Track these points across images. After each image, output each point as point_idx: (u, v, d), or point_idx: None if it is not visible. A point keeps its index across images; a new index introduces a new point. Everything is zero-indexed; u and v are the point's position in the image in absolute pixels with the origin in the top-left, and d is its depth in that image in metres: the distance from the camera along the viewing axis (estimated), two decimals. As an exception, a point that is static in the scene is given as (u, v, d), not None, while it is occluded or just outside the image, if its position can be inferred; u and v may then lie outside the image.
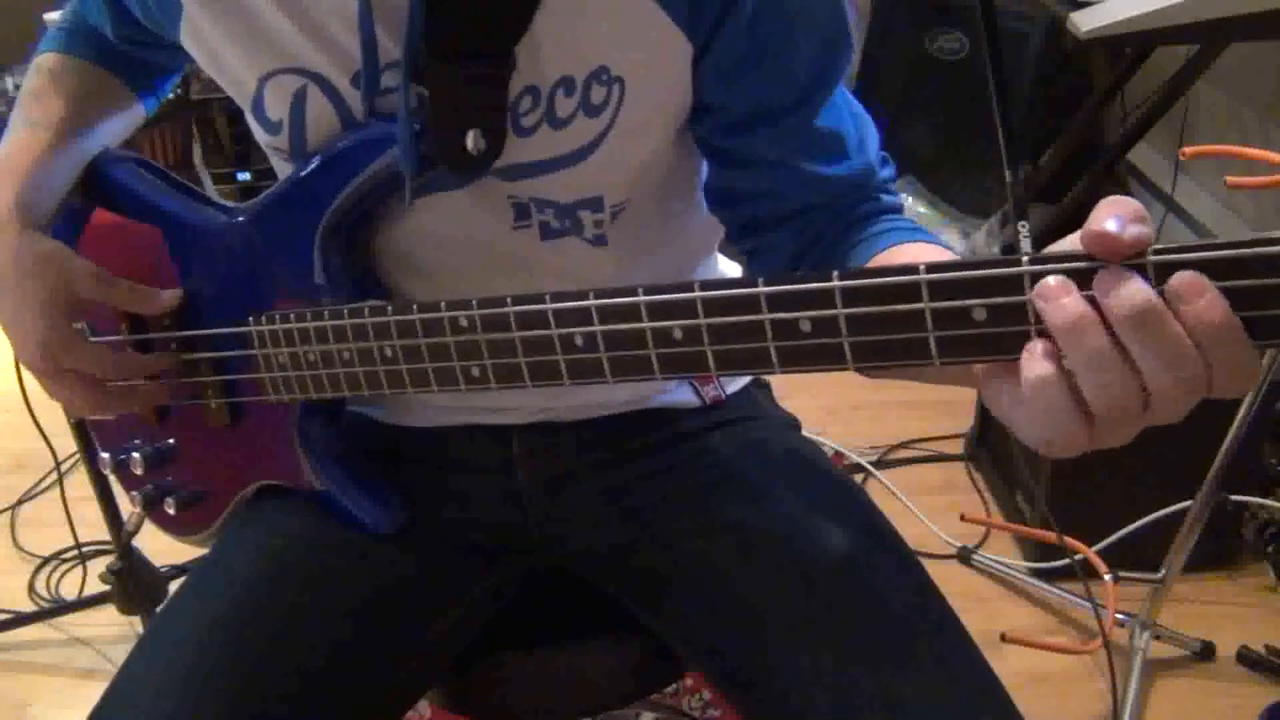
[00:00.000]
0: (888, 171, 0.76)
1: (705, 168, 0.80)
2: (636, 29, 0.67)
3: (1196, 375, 0.43)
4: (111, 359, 0.79)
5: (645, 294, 0.55)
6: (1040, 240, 1.78)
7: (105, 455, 0.94)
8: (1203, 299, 0.41)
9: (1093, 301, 0.43)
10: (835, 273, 0.49)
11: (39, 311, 0.76)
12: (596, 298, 0.57)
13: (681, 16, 0.67)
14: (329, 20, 0.68)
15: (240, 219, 0.77)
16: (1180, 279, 0.42)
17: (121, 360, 0.80)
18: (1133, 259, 0.43)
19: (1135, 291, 0.42)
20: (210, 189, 2.69)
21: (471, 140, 0.67)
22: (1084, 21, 1.48)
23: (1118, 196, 0.44)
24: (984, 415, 1.98)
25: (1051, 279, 0.44)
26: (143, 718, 0.69)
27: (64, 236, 0.85)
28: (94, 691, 0.72)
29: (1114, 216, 0.42)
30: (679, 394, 0.88)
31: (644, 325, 0.55)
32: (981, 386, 0.52)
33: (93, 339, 0.81)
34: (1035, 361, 0.45)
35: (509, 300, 0.60)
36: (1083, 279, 0.44)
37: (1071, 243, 0.45)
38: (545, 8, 0.66)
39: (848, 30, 0.71)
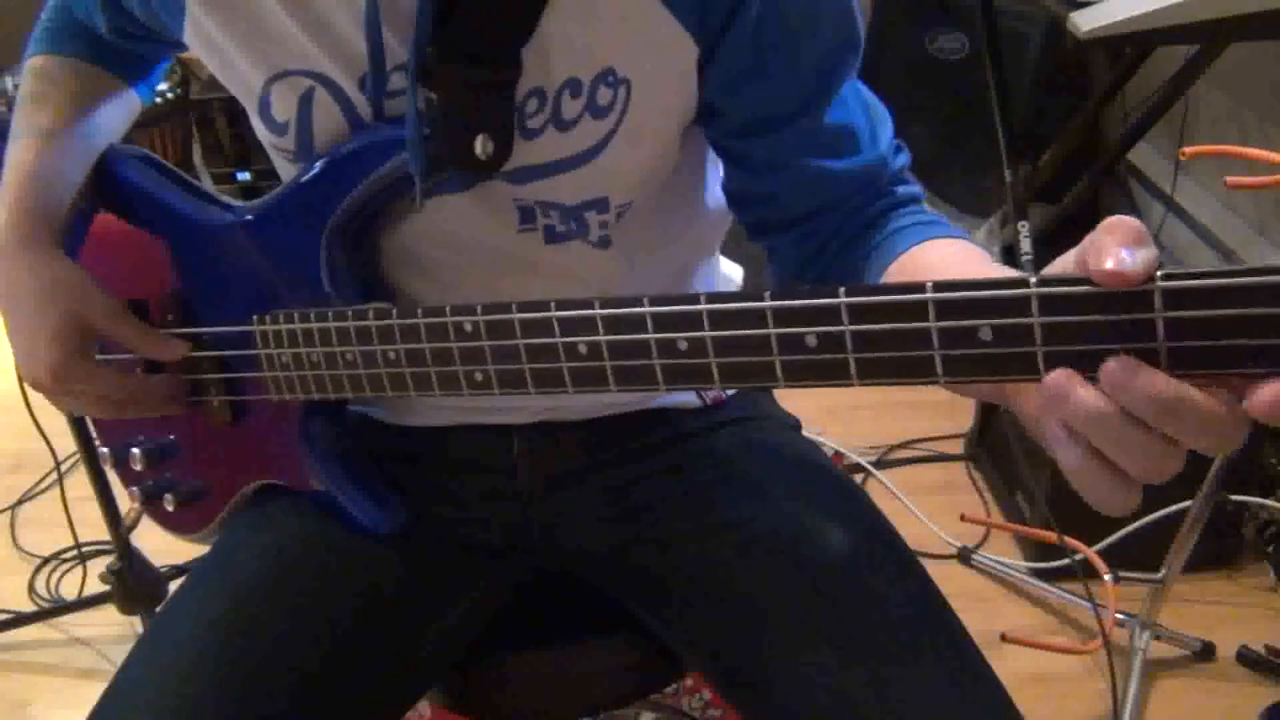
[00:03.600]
0: (901, 159, 0.74)
1: (709, 168, 0.80)
2: (643, 31, 0.67)
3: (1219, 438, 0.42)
4: (118, 389, 0.80)
5: (650, 304, 0.55)
6: (1040, 240, 1.78)
7: (105, 450, 0.94)
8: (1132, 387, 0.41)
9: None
10: (842, 289, 0.49)
11: (52, 338, 0.76)
12: (601, 307, 0.56)
13: (688, 19, 0.67)
14: (336, 22, 0.68)
15: (246, 218, 0.77)
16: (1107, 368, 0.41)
17: (129, 389, 0.81)
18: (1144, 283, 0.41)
19: (1149, 385, 0.41)
20: (210, 189, 2.68)
21: (480, 145, 0.67)
22: (1084, 21, 1.48)
23: (1117, 219, 0.42)
24: (984, 415, 1.97)
25: (1056, 374, 0.43)
26: (142, 718, 0.69)
27: (74, 232, 0.85)
28: (94, 691, 0.72)
29: (1124, 249, 0.41)
30: (680, 394, 0.88)
31: (649, 336, 0.55)
32: (1028, 426, 0.51)
33: (100, 358, 0.81)
34: (1066, 451, 0.45)
35: (514, 307, 0.60)
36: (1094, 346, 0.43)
37: (1066, 262, 0.44)
38: (552, 9, 0.65)
39: (857, 32, 0.71)
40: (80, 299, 0.77)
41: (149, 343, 0.80)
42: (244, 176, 2.71)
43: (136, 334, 0.80)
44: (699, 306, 0.53)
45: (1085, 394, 0.42)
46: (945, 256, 0.67)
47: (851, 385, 0.50)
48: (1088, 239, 0.43)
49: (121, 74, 0.88)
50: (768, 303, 0.51)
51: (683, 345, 0.54)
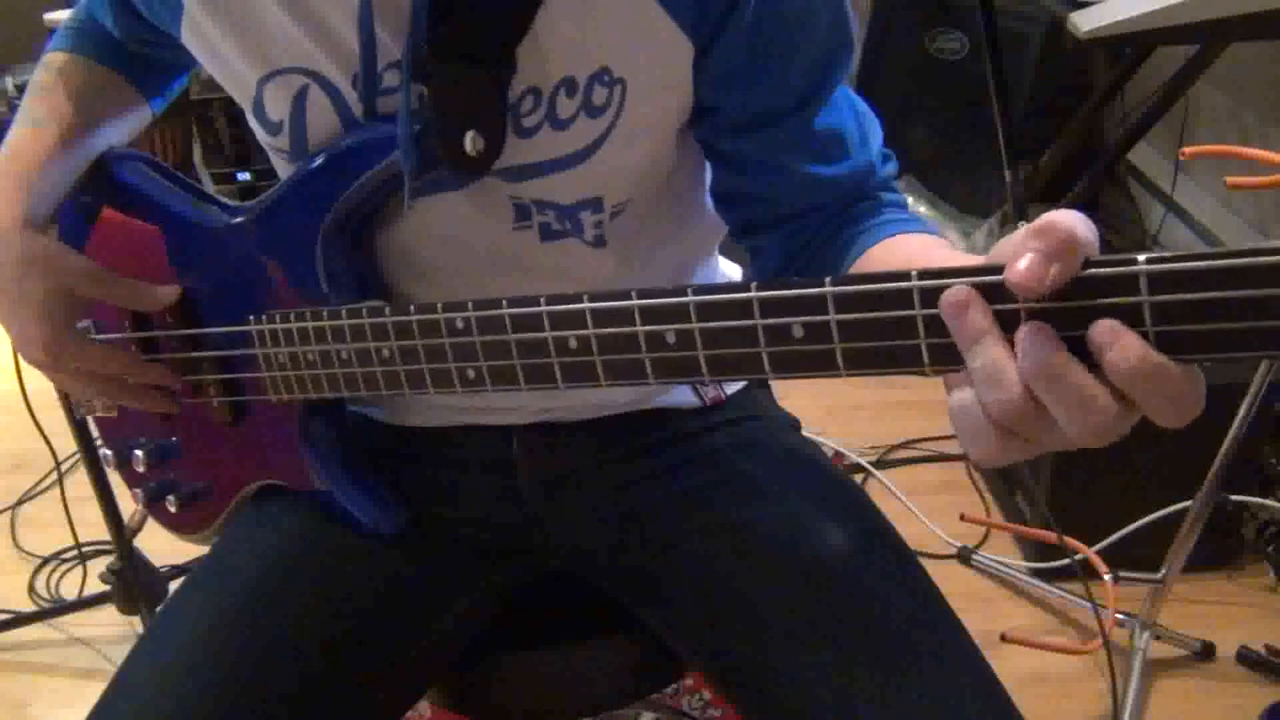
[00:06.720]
0: (889, 168, 0.75)
1: (707, 170, 0.80)
2: (639, 30, 0.67)
3: (1106, 422, 0.43)
4: (116, 361, 0.79)
5: (638, 298, 0.55)
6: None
7: (108, 452, 0.94)
8: (1117, 346, 0.41)
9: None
10: (827, 279, 0.49)
11: (38, 313, 0.76)
12: (590, 300, 0.57)
13: (684, 18, 0.67)
14: (331, 19, 0.68)
15: (244, 218, 0.77)
16: (1097, 328, 0.42)
17: (126, 364, 0.80)
18: (1123, 265, 0.42)
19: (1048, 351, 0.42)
20: (210, 189, 2.68)
21: (469, 142, 0.67)
22: (1084, 21, 1.48)
23: (1052, 222, 0.43)
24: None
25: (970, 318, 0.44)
26: (142, 718, 0.69)
27: (73, 234, 0.84)
28: (94, 691, 0.72)
29: (1039, 256, 0.42)
30: (679, 394, 0.88)
31: (637, 329, 0.55)
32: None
33: (97, 337, 0.81)
34: (958, 392, 0.47)
35: (504, 303, 0.60)
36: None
37: (994, 262, 0.45)
38: (547, 8, 0.66)
39: (850, 35, 0.71)
40: (59, 269, 0.76)
41: (136, 294, 0.79)
42: (244, 176, 2.71)
43: (122, 289, 0.79)
44: (686, 299, 0.53)
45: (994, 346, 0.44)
46: (914, 247, 0.67)
47: (840, 375, 0.50)
48: (1035, 223, 0.44)
49: (135, 81, 0.87)
50: (754, 293, 0.51)
51: (671, 338, 0.54)
